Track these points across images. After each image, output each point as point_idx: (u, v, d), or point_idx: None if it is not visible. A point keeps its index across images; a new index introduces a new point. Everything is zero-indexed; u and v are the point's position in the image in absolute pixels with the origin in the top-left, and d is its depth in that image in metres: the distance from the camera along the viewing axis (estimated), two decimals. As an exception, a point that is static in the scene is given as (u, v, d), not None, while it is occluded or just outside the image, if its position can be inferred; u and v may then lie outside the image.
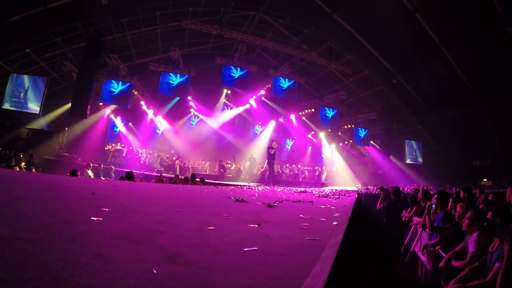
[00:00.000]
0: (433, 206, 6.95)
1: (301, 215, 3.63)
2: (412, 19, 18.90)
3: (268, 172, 18.25)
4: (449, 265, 4.80)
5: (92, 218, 2.31)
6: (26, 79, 19.01)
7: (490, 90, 21.03)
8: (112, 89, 21.65)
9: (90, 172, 15.20)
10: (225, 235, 2.28)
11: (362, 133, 29.21)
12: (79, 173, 10.72)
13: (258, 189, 10.56)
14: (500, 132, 22.97)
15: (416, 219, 8.08)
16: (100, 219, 2.32)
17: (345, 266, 2.50)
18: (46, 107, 19.59)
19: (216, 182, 16.41)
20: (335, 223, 3.22)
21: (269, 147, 17.61)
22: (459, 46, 19.83)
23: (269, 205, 4.37)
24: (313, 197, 7.77)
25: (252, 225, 2.69)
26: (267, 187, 13.42)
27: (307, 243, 2.21)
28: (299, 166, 27.21)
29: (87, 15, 18.23)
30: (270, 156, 17.58)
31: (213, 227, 2.46)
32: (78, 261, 1.42)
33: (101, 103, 22.02)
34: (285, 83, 24.48)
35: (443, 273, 4.94)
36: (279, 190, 10.79)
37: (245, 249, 1.89)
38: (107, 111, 23.21)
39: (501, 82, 19.98)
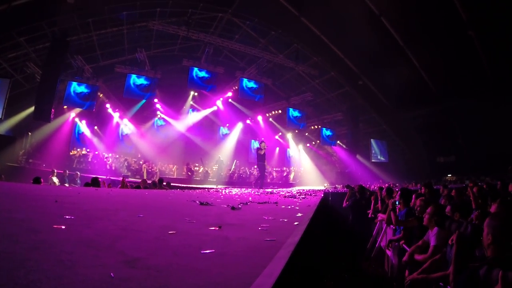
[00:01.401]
0: (397, 202, 7.20)
1: (264, 217, 3.70)
2: (378, 23, 19.37)
3: (258, 175, 17.08)
4: (412, 259, 5.03)
5: (55, 226, 2.33)
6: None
7: (453, 91, 21.84)
8: (77, 92, 21.02)
9: (55, 179, 14.84)
10: (185, 238, 2.34)
11: (328, 133, 29.68)
12: (42, 180, 10.49)
13: (224, 191, 10.54)
14: (462, 130, 23.80)
15: (381, 216, 8.32)
16: (63, 227, 2.33)
17: (303, 265, 2.60)
18: (9, 111, 18.90)
19: (184, 185, 16.21)
20: (296, 223, 3.32)
21: (258, 148, 16.50)
22: (423, 49, 20.47)
23: (233, 208, 4.43)
24: (279, 198, 7.84)
25: (213, 228, 2.75)
26: (260, 190, 13.18)
27: (264, 244, 2.29)
28: (267, 167, 27.30)
29: (52, 14, 17.67)
30: (260, 157, 16.41)
31: (174, 231, 2.50)
32: (40, 268, 1.46)
33: (65, 106, 21.33)
34: (252, 85, 24.57)
35: (407, 266, 5.14)
36: (246, 192, 10.82)
37: (202, 252, 1.95)
38: (72, 114, 22.59)
39: (463, 83, 20.78)
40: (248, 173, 25.68)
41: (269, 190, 13.14)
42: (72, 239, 2.07)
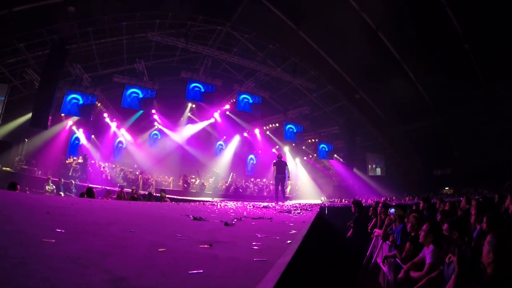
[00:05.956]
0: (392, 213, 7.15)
1: (257, 234, 3.65)
2: (374, 37, 19.51)
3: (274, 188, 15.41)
4: (408, 276, 4.99)
5: (44, 240, 2.29)
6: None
7: (448, 103, 22.02)
8: (75, 100, 20.86)
9: (50, 187, 14.77)
10: (174, 257, 2.28)
11: (325, 147, 29.67)
12: (19, 186, 10.21)
13: (220, 205, 10.40)
14: (458, 143, 23.90)
15: (377, 231, 8.28)
16: (53, 241, 2.29)
17: (295, 285, 2.56)
18: (6, 116, 18.87)
19: (180, 197, 16.15)
20: (288, 241, 3.27)
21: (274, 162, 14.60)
22: (419, 63, 20.60)
23: (226, 224, 4.38)
24: (274, 213, 7.74)
25: (204, 246, 2.71)
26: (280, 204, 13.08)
27: (254, 265, 2.24)
28: (264, 180, 27.27)
29: (53, 22, 17.69)
30: (276, 170, 14.42)
31: (164, 249, 2.45)
32: (26, 285, 1.44)
33: (63, 114, 21.22)
34: (249, 98, 24.61)
35: (403, 283, 5.09)
36: (240, 205, 10.68)
37: (190, 272, 1.91)
38: (69, 122, 22.55)
39: (458, 95, 20.92)
40: (245, 186, 25.57)
41: (265, 204, 12.87)
42: (60, 254, 2.03)
